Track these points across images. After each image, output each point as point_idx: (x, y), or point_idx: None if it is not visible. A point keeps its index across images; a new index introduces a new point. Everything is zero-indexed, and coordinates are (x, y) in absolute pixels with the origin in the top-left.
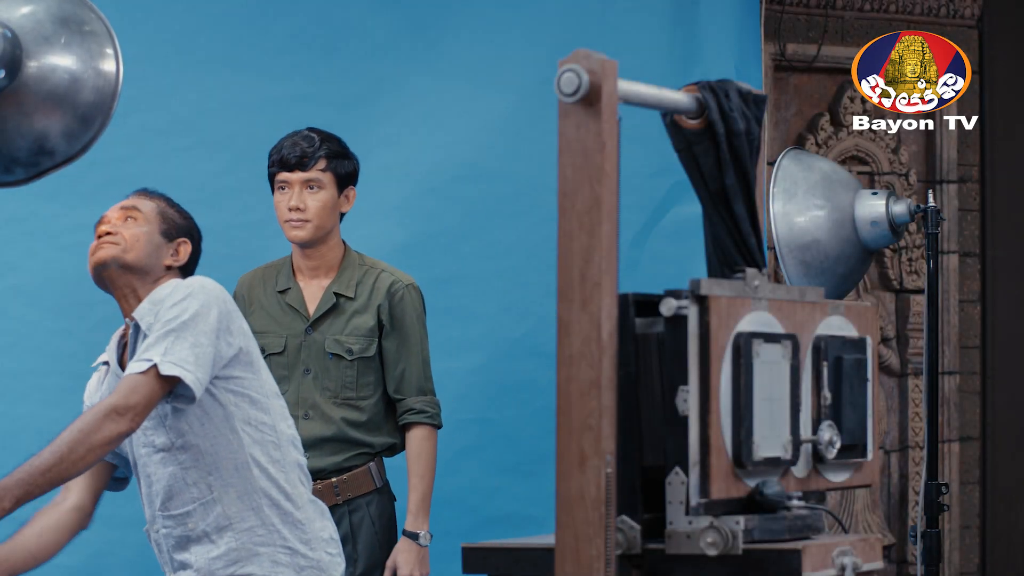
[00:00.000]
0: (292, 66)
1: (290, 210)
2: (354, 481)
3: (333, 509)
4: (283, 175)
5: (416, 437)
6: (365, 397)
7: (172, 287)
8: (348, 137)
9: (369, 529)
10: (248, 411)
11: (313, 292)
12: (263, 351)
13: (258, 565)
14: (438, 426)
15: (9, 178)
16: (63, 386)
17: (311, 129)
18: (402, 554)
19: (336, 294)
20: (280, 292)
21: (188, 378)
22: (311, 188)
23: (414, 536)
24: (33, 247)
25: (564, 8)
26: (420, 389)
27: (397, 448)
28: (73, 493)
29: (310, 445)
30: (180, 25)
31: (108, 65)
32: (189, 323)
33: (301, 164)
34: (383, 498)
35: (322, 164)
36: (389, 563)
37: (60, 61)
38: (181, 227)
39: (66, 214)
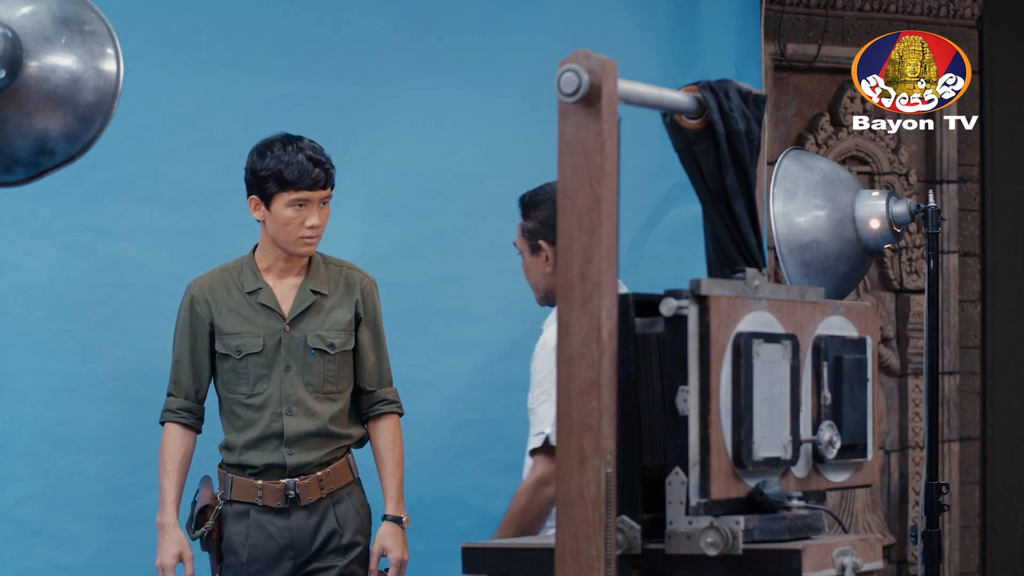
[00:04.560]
0: (292, 66)
1: (311, 228)
2: (336, 474)
3: (317, 503)
4: (304, 194)
5: (389, 426)
6: (343, 390)
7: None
8: (348, 137)
9: (355, 518)
10: None
11: (284, 291)
12: (239, 352)
13: None
14: (403, 414)
15: (9, 178)
16: (63, 386)
17: (305, 140)
18: (390, 538)
19: (313, 291)
20: (249, 293)
21: None
22: (323, 203)
23: (397, 520)
24: (33, 247)
25: (564, 8)
26: (388, 380)
27: (367, 439)
28: None
29: (294, 441)
30: (180, 25)
31: (109, 65)
32: None
33: (325, 184)
34: (359, 488)
35: (333, 180)
36: (376, 548)
37: (61, 61)
38: None
39: (66, 214)
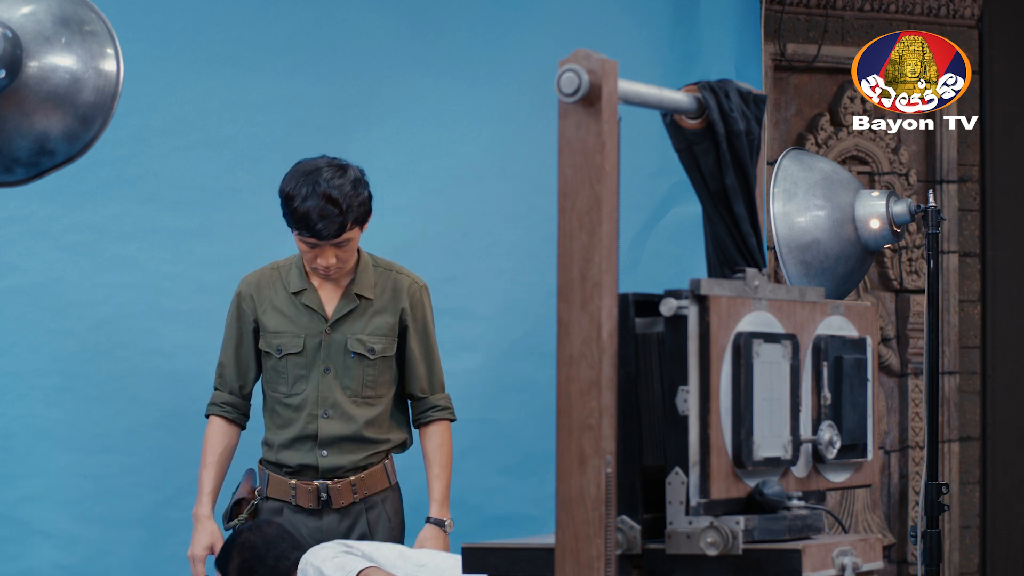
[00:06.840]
0: (292, 66)
1: (324, 268)
2: (371, 479)
3: (349, 507)
4: (309, 240)
5: (439, 431)
6: (382, 395)
7: None
8: (348, 137)
9: (386, 525)
10: None
11: (329, 293)
12: (279, 351)
13: None
14: (454, 420)
15: (9, 178)
16: (63, 386)
17: (322, 184)
18: (431, 540)
19: (358, 295)
20: (294, 293)
21: None
22: (339, 245)
23: (440, 523)
24: (33, 247)
25: (564, 8)
26: (440, 386)
27: (408, 444)
28: None
29: (329, 443)
30: (180, 25)
31: (108, 65)
32: None
33: (337, 234)
34: (395, 495)
35: (351, 226)
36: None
37: (61, 61)
38: None
39: (66, 214)
